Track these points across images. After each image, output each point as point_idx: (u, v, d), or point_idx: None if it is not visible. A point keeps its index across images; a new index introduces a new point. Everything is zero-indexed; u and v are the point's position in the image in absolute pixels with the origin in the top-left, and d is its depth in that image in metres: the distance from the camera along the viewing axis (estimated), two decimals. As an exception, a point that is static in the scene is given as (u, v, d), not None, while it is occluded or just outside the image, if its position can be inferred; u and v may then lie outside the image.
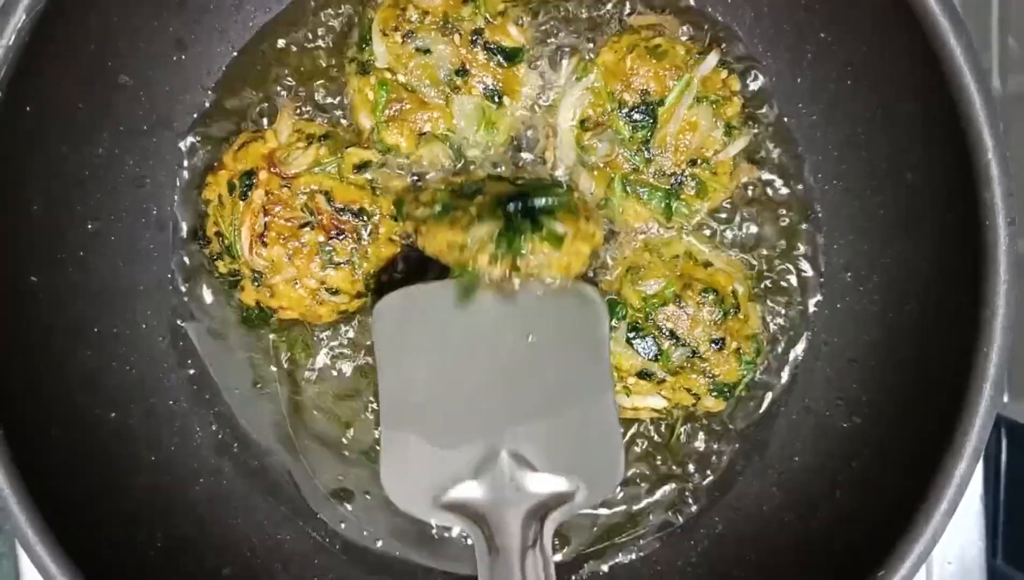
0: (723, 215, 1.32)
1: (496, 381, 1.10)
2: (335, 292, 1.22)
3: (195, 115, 1.31)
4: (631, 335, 1.23)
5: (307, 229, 1.20)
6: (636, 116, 1.23)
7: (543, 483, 1.07)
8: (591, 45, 1.30)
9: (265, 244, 1.20)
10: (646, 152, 1.24)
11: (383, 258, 1.24)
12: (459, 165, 1.28)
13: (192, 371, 1.31)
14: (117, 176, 1.24)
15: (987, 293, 1.07)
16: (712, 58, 1.24)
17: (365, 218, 1.22)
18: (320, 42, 1.31)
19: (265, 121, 1.31)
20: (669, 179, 1.25)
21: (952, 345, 1.11)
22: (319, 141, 1.24)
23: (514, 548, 1.01)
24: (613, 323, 1.23)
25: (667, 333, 1.22)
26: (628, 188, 1.26)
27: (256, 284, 1.22)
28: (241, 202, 1.20)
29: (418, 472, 1.08)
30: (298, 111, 1.28)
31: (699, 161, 1.24)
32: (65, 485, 1.12)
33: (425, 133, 1.24)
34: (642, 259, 1.26)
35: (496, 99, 1.24)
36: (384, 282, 1.26)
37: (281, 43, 1.32)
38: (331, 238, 1.21)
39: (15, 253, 1.13)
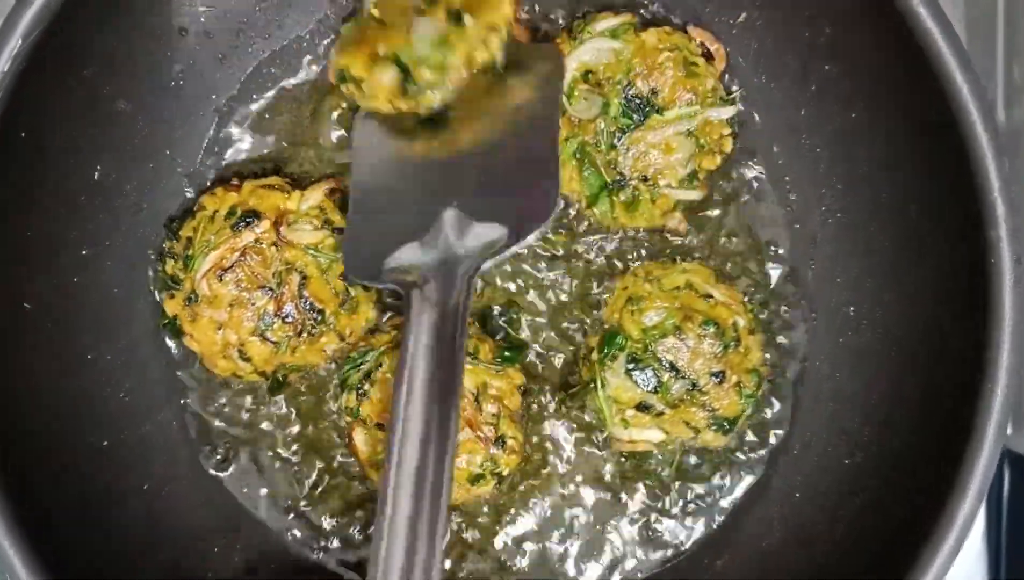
0: (726, 245, 1.32)
1: (444, 150, 1.18)
2: (246, 358, 1.21)
3: (195, 142, 1.30)
4: (630, 366, 1.21)
5: (265, 293, 1.19)
6: (633, 104, 1.21)
7: (479, 234, 1.12)
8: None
9: (220, 279, 1.18)
10: (616, 139, 1.22)
11: (305, 361, 1.24)
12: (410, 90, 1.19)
13: (184, 399, 1.30)
14: (114, 202, 1.24)
15: (992, 333, 1.05)
16: (728, 110, 1.23)
17: (319, 320, 1.21)
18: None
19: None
20: (615, 175, 1.23)
21: (956, 384, 1.09)
22: (332, 231, 1.23)
23: (445, 301, 1.08)
24: (613, 353, 1.22)
25: (667, 365, 1.21)
26: (578, 154, 1.24)
27: (186, 303, 1.20)
28: (230, 230, 1.19)
29: (370, 243, 1.16)
30: (334, 193, 1.27)
31: (649, 181, 1.23)
32: (55, 510, 1.11)
33: (379, 55, 1.17)
34: (642, 290, 1.25)
35: (456, 19, 1.16)
36: (281, 381, 1.28)
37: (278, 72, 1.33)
38: (278, 315, 1.19)
39: (9, 279, 1.12)
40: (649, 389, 1.21)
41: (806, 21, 1.20)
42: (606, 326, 1.27)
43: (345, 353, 1.26)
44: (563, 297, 1.32)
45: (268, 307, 1.19)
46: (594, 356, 1.25)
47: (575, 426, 1.31)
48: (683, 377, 1.21)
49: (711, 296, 1.25)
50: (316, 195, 1.24)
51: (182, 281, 1.21)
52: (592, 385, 1.24)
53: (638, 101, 1.21)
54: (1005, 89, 1.44)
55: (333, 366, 1.29)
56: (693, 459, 1.31)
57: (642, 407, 1.22)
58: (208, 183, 1.31)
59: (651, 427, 1.24)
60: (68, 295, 1.20)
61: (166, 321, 1.24)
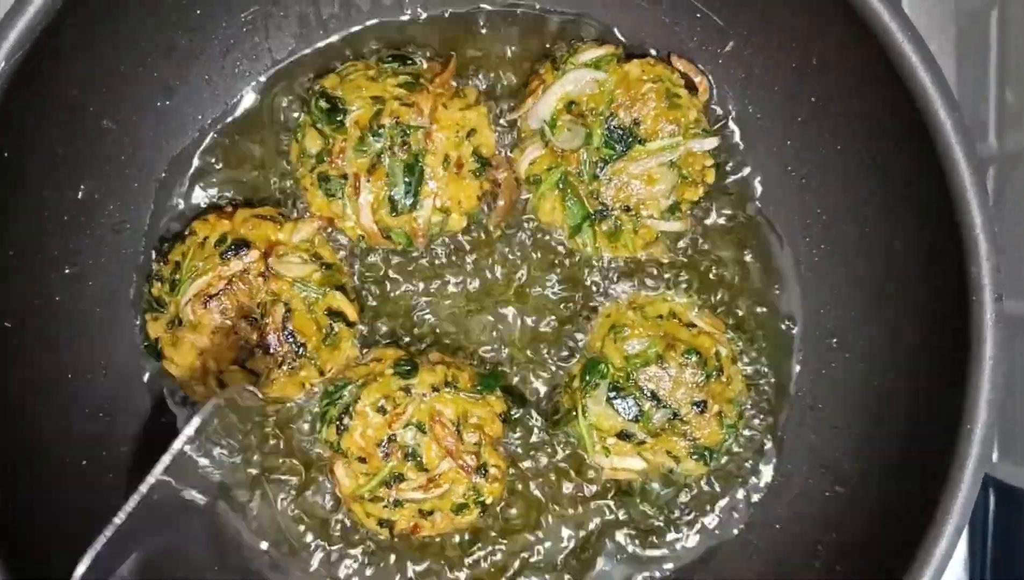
0: (712, 276, 1.32)
1: None
2: (222, 386, 1.20)
3: (181, 162, 1.30)
4: (612, 395, 1.21)
5: (248, 323, 1.19)
6: (616, 134, 1.21)
7: None
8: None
9: (205, 305, 1.18)
10: (599, 169, 1.22)
11: (283, 393, 1.24)
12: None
13: (165, 419, 1.29)
14: (98, 220, 1.23)
15: (972, 369, 1.05)
16: (711, 142, 1.23)
17: (300, 353, 1.21)
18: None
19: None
20: (597, 205, 1.23)
21: (937, 418, 1.09)
22: (321, 266, 1.23)
23: None
24: (595, 382, 1.22)
25: (649, 394, 1.21)
26: (561, 184, 1.24)
27: (169, 326, 1.20)
28: (219, 258, 1.19)
29: None
30: (326, 231, 1.27)
31: (632, 211, 1.23)
32: (30, 530, 1.10)
33: None
34: (625, 318, 1.25)
35: None
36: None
37: (265, 93, 1.33)
38: (259, 346, 1.19)
39: (-10, 297, 1.12)
40: (630, 418, 1.21)
41: (793, 53, 1.21)
42: (588, 354, 1.26)
43: (322, 387, 1.26)
44: (545, 324, 1.31)
45: (251, 335, 1.19)
46: (576, 384, 1.24)
47: (555, 453, 1.30)
48: (665, 406, 1.21)
49: (694, 325, 1.25)
50: (308, 229, 1.24)
51: (167, 304, 1.21)
52: (574, 413, 1.24)
53: (620, 132, 1.21)
54: (997, 115, 1.43)
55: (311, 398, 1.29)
56: (672, 488, 1.30)
57: (623, 435, 1.22)
58: (192, 203, 1.31)
59: (632, 455, 1.24)
60: (49, 313, 1.19)
61: (147, 342, 1.24)
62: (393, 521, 1.22)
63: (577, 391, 1.24)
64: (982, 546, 1.49)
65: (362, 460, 1.20)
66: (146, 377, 1.29)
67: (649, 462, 1.24)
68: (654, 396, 1.20)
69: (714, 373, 1.22)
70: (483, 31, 1.31)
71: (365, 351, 1.28)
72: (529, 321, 1.31)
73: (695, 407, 1.21)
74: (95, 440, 1.23)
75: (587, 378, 1.23)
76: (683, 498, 1.30)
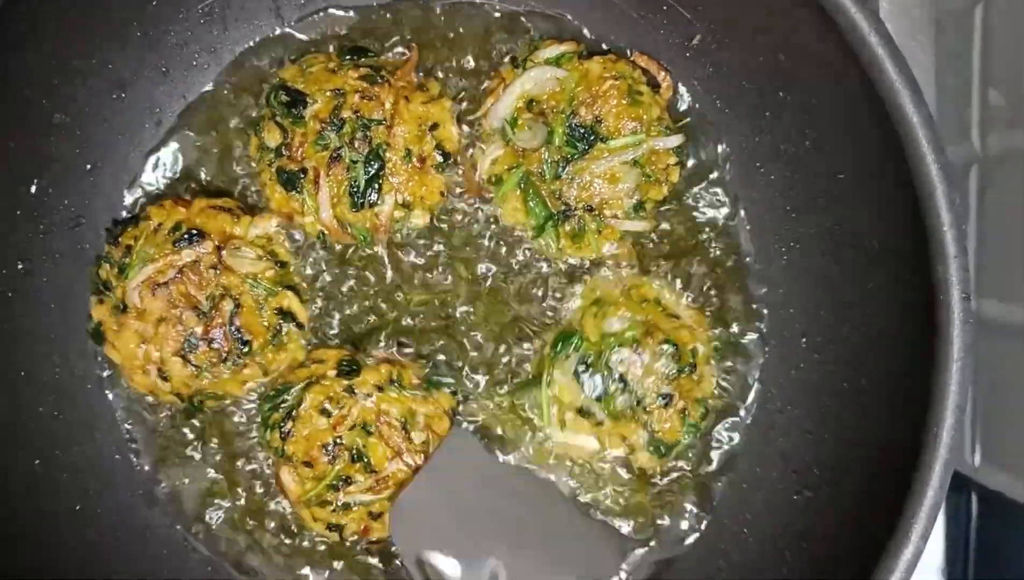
0: (677, 274, 1.29)
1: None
2: (165, 378, 1.18)
3: (137, 156, 1.28)
4: (580, 368, 1.20)
5: (195, 315, 1.17)
6: (577, 133, 1.19)
7: None
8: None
9: (153, 293, 1.16)
10: (561, 169, 1.20)
11: (224, 390, 1.22)
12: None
13: (124, 421, 1.27)
14: (52, 216, 1.21)
15: (939, 370, 1.03)
16: (675, 139, 1.21)
17: (246, 351, 1.19)
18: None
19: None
20: (560, 205, 1.21)
21: (905, 421, 1.07)
22: (275, 264, 1.21)
23: None
24: (566, 352, 1.21)
25: (617, 376, 1.19)
26: (522, 184, 1.22)
27: (114, 311, 1.18)
28: (172, 246, 1.17)
29: (427, 521, 1.17)
30: (283, 230, 1.25)
31: (595, 211, 1.21)
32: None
33: None
34: (611, 295, 1.23)
35: None
36: (197, 406, 1.24)
37: (222, 85, 1.30)
38: (204, 339, 1.17)
39: (-61, 294, 1.10)
40: (594, 395, 1.19)
41: (760, 47, 1.18)
42: (564, 323, 1.25)
43: (265, 388, 1.24)
44: (509, 310, 1.29)
45: (196, 329, 1.17)
46: (547, 351, 1.23)
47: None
48: (630, 391, 1.19)
49: (677, 317, 1.23)
50: (265, 224, 1.22)
51: (114, 288, 1.19)
52: (539, 380, 1.22)
53: (582, 130, 1.19)
54: (980, 116, 1.41)
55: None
56: (640, 491, 1.28)
57: (583, 412, 1.21)
58: (149, 198, 1.29)
59: (588, 434, 1.22)
60: (1, 310, 1.17)
61: (92, 326, 1.21)
62: (342, 525, 1.20)
63: (547, 358, 1.22)
64: (964, 551, 1.47)
65: (308, 464, 1.18)
66: (101, 375, 1.27)
67: (603, 445, 1.22)
68: (622, 379, 1.19)
69: (686, 369, 1.20)
70: (443, 25, 1.29)
71: (311, 349, 1.26)
72: (493, 316, 1.29)
73: (660, 399, 1.19)
74: (48, 441, 1.21)
75: (559, 347, 1.21)
76: (651, 499, 1.28)
